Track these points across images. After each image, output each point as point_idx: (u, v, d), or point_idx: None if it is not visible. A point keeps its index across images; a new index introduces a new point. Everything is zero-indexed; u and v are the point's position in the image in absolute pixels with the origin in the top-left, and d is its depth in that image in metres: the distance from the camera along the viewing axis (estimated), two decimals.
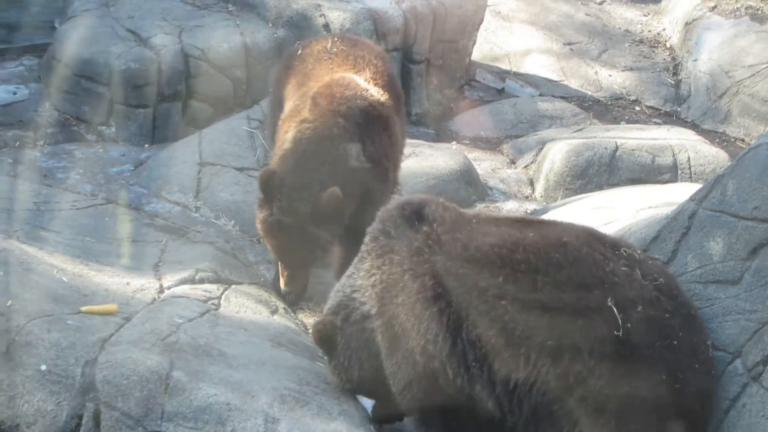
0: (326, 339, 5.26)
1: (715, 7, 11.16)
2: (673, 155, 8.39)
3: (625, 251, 4.72)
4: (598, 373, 4.38)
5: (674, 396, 4.40)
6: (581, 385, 4.41)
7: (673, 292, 4.65)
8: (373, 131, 6.79)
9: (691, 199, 5.24)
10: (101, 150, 8.61)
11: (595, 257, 4.62)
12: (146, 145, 8.77)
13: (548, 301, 4.51)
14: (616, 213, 6.18)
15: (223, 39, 9.18)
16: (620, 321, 4.36)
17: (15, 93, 9.66)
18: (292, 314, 6.35)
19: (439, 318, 4.73)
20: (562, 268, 4.58)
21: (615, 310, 4.38)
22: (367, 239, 5.20)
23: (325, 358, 5.59)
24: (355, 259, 5.31)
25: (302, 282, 6.85)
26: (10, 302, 5.12)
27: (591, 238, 4.85)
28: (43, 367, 4.87)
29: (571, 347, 4.41)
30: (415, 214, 5.00)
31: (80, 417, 4.73)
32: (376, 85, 7.01)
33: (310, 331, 6.02)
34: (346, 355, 5.21)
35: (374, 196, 6.80)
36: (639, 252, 4.88)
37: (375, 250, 5.09)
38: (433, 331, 4.74)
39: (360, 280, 5.17)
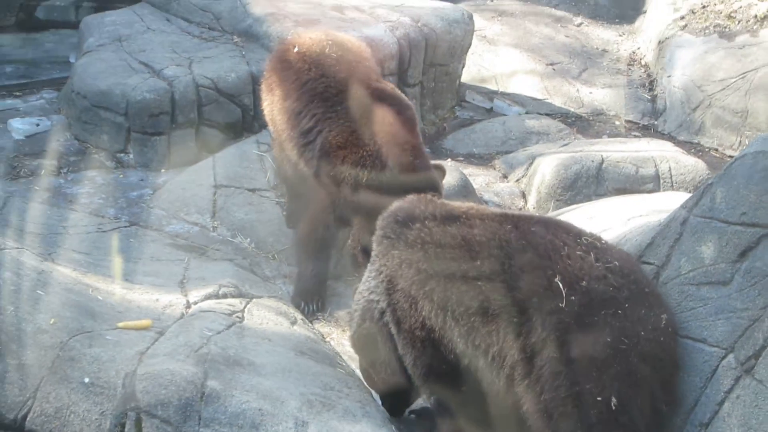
0: (365, 348, 5.54)
1: (685, 26, 11.24)
2: (655, 166, 8.48)
3: (586, 240, 4.97)
4: (550, 343, 4.59)
5: (620, 358, 4.56)
6: (539, 355, 4.61)
7: (624, 272, 4.84)
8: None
9: (683, 206, 5.31)
10: (121, 176, 8.70)
11: (555, 243, 4.87)
12: (163, 170, 8.82)
13: (512, 283, 4.76)
14: (608, 222, 6.24)
15: (230, 69, 9.26)
16: (564, 294, 4.59)
17: (38, 125, 9.73)
18: (310, 325, 6.37)
19: (430, 296, 4.97)
20: (526, 252, 4.82)
21: (560, 285, 4.61)
22: (374, 245, 5.40)
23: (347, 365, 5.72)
24: (368, 265, 5.50)
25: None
26: (53, 320, 5.18)
27: (558, 228, 5.12)
28: (87, 380, 4.94)
29: (528, 322, 4.65)
30: (407, 216, 5.21)
31: (123, 425, 4.79)
32: None
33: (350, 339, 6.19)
34: (369, 352, 5.46)
35: None
36: (603, 242, 5.10)
37: (380, 251, 5.29)
38: (427, 308, 4.99)
39: (373, 281, 5.38)
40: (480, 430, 5.19)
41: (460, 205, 5.45)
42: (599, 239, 5.08)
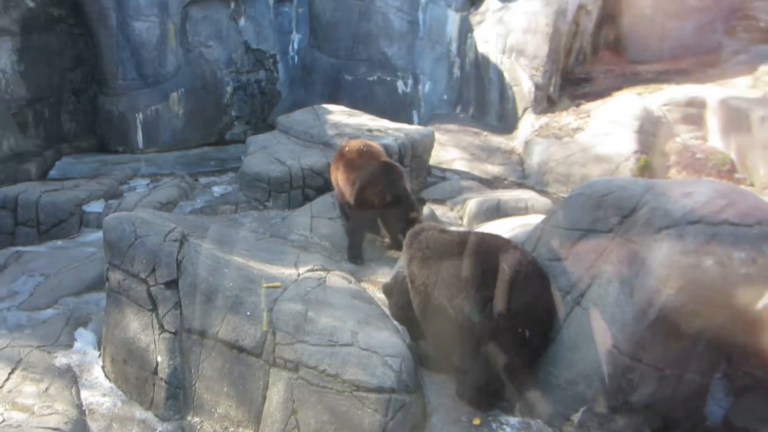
0: (388, 291, 5.23)
1: (538, 134, 11.10)
2: (525, 203, 8.26)
3: (514, 245, 4.73)
4: (500, 297, 4.37)
5: (534, 307, 4.42)
6: (491, 301, 4.41)
7: (534, 263, 4.63)
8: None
9: (542, 221, 5.12)
10: (266, 213, 8.50)
11: (499, 245, 4.66)
12: (286, 210, 8.57)
13: (478, 265, 4.53)
14: (503, 230, 6.03)
15: (318, 160, 9.06)
16: (508, 272, 4.40)
17: (226, 189, 9.60)
18: (359, 283, 6.14)
19: (428, 269, 4.71)
20: (484, 248, 4.62)
21: (505, 267, 4.43)
22: (404, 245, 5.10)
23: (378, 304, 5.50)
24: (400, 256, 5.26)
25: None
26: (231, 283, 5.00)
27: (499, 238, 4.88)
28: (248, 313, 4.77)
29: (487, 284, 4.44)
30: (420, 231, 4.98)
31: (266, 334, 4.61)
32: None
33: (378, 288, 5.97)
34: (396, 298, 5.13)
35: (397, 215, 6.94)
36: (521, 246, 4.85)
37: (406, 248, 5.01)
38: (426, 274, 4.71)
39: (402, 262, 5.10)
40: (448, 347, 4.89)
41: (449, 228, 5.36)
42: (519, 245, 4.86)
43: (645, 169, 9.50)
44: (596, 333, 4.25)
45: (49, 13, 12.98)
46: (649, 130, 10.07)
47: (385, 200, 6.82)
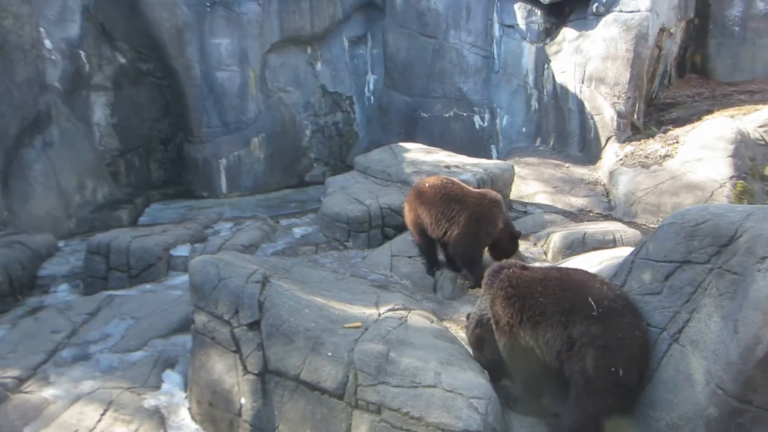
0: (477, 342, 5.11)
1: (623, 163, 10.78)
2: (613, 235, 7.95)
3: (599, 279, 4.60)
4: (587, 332, 4.24)
5: (626, 345, 4.22)
6: (580, 339, 4.26)
7: (623, 297, 4.45)
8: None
9: (631, 254, 4.91)
10: (346, 252, 8.54)
11: (585, 280, 4.52)
12: (366, 249, 8.61)
13: (564, 300, 4.39)
14: (591, 264, 5.81)
15: (397, 198, 9.07)
16: (595, 307, 4.27)
17: (306, 230, 9.78)
18: (441, 323, 6.02)
19: (513, 308, 4.60)
20: (568, 284, 4.49)
21: (592, 303, 4.28)
22: (483, 285, 5.05)
23: (461, 343, 5.38)
24: (480, 297, 5.17)
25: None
26: (313, 324, 5.01)
27: (584, 273, 4.75)
28: (330, 354, 4.74)
29: (574, 321, 4.30)
30: (500, 269, 4.88)
31: (347, 376, 4.59)
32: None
33: (461, 327, 5.84)
34: (484, 345, 5.01)
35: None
36: (607, 280, 4.67)
37: (486, 287, 4.95)
38: (510, 314, 4.60)
39: (482, 304, 5.01)
40: (537, 389, 4.76)
41: (531, 264, 5.22)
42: (605, 278, 4.69)
43: (743, 195, 9.01)
44: (698, 372, 3.99)
45: (138, 68, 13.84)
46: (746, 154, 9.58)
47: (498, 227, 6.82)
